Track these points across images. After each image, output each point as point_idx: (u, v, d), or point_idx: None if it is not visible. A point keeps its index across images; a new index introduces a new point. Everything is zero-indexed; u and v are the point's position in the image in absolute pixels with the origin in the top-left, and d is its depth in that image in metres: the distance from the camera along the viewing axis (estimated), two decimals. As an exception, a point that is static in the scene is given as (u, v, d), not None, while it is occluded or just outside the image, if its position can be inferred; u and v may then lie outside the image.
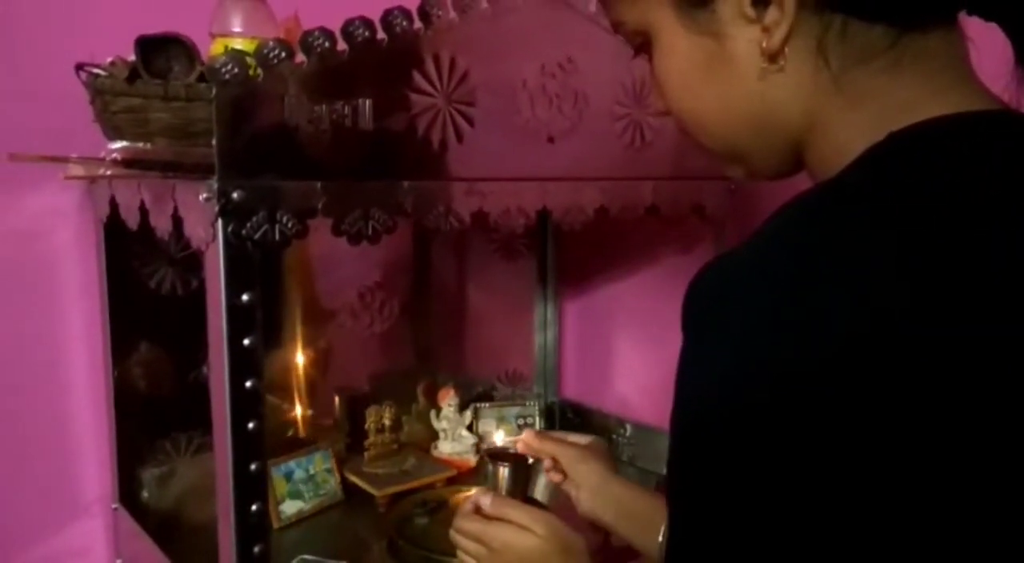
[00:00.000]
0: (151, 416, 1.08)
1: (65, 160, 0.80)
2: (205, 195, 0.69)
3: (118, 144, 0.77)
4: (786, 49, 0.46)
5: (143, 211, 0.83)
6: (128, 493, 1.07)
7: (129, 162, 0.77)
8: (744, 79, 0.48)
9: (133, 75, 0.82)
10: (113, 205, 0.91)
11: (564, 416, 1.50)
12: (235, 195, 0.69)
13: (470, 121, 0.84)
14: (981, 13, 0.46)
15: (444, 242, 1.41)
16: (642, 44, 0.52)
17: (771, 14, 0.45)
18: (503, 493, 1.14)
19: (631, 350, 1.45)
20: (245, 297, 0.72)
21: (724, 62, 0.48)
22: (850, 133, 0.45)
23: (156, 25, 0.83)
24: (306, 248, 1.24)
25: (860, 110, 0.46)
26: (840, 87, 0.46)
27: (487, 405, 1.42)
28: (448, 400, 1.35)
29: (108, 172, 0.78)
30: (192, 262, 1.06)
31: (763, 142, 0.50)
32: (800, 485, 0.37)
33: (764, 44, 0.46)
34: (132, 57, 0.83)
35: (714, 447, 0.40)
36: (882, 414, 0.36)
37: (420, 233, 1.37)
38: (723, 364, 0.40)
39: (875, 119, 0.45)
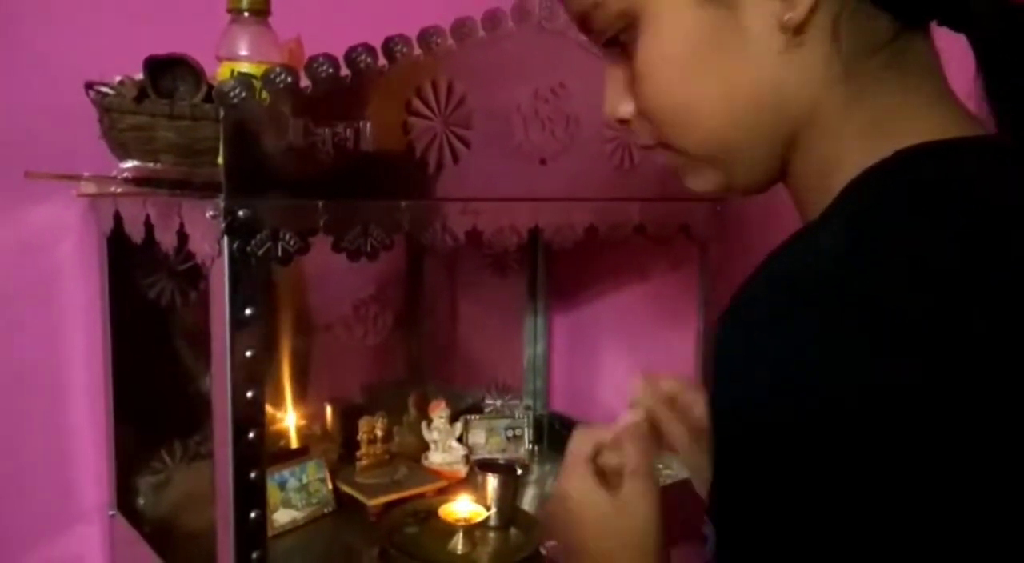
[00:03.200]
0: (149, 424, 1.10)
1: (78, 178, 0.83)
2: (212, 213, 0.72)
3: (129, 163, 0.80)
4: (805, 30, 0.43)
5: (148, 226, 0.85)
6: (125, 500, 1.09)
7: (139, 180, 0.80)
8: (755, 57, 0.44)
9: (141, 94, 0.85)
10: (118, 219, 0.93)
11: (552, 428, 1.53)
12: (241, 213, 0.72)
13: (466, 143, 0.87)
14: (952, 23, 0.45)
15: (437, 257, 1.44)
16: (616, 35, 0.48)
17: None
18: (492, 504, 1.17)
19: (618, 363, 1.49)
20: (248, 311, 0.75)
21: (736, 36, 0.44)
22: (847, 135, 0.44)
23: (163, 46, 0.86)
24: (303, 262, 1.27)
25: (860, 107, 0.44)
26: (848, 75, 0.44)
27: (477, 417, 1.44)
28: (439, 412, 1.37)
29: (119, 190, 0.81)
30: (192, 274, 1.09)
31: (757, 139, 0.46)
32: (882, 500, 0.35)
33: (786, 16, 0.42)
34: (140, 76, 0.86)
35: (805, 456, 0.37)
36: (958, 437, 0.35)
37: (415, 248, 1.40)
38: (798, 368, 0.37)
39: (872, 122, 0.43)
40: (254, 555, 0.77)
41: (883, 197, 0.40)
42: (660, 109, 0.48)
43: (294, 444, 1.31)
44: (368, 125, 0.78)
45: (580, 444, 0.62)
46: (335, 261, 1.27)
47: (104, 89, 0.87)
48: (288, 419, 1.31)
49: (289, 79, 0.73)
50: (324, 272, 1.29)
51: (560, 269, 1.54)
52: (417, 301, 1.43)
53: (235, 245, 0.72)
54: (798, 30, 0.43)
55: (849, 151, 0.43)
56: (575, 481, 0.59)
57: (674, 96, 0.47)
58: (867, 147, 0.42)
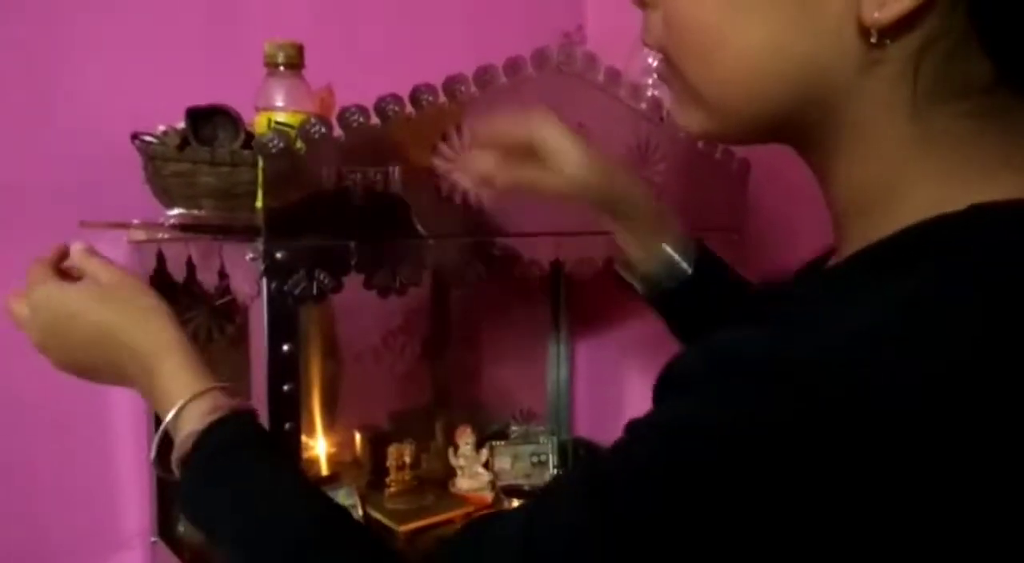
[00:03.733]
0: (187, 454, 1.15)
1: (128, 226, 0.88)
2: (251, 255, 0.77)
3: (175, 211, 0.85)
4: (888, 39, 0.38)
5: (190, 266, 0.90)
6: (166, 527, 1.13)
7: (184, 227, 0.85)
8: (818, 35, 0.39)
9: (184, 143, 0.90)
10: (160, 259, 0.99)
11: (576, 453, 1.56)
12: (278, 255, 0.77)
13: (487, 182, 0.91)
14: None
15: (466, 286, 1.48)
16: None
17: None
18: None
19: (641, 388, 1.51)
20: (286, 347, 0.79)
21: (811, 6, 0.39)
22: (912, 172, 0.40)
23: (204, 97, 0.91)
24: (335, 297, 1.32)
25: (929, 149, 0.40)
26: (916, 113, 0.40)
27: (503, 443, 1.47)
28: (465, 438, 1.41)
29: (165, 235, 0.86)
30: (227, 309, 1.14)
31: (771, 110, 0.43)
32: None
33: (874, 14, 0.38)
34: (182, 125, 0.92)
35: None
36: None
37: (440, 279, 1.45)
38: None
39: (944, 170, 0.40)
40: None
41: (984, 251, 0.36)
42: (688, 25, 0.43)
43: (324, 471, 1.35)
44: (397, 170, 0.83)
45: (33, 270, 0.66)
46: (365, 295, 1.33)
47: (149, 138, 0.93)
48: (319, 447, 1.35)
49: (323, 130, 0.78)
50: (354, 305, 1.34)
51: (583, 297, 1.57)
52: (443, 330, 1.47)
53: (273, 285, 0.77)
54: (878, 37, 0.38)
55: (915, 187, 0.40)
56: (38, 290, 0.64)
57: (708, 19, 0.42)
58: (937, 192, 0.40)
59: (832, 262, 0.47)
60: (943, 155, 0.40)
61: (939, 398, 0.32)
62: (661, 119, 1.08)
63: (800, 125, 0.44)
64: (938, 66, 0.39)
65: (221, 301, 1.13)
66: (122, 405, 1.13)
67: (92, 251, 0.68)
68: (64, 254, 0.69)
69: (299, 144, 0.77)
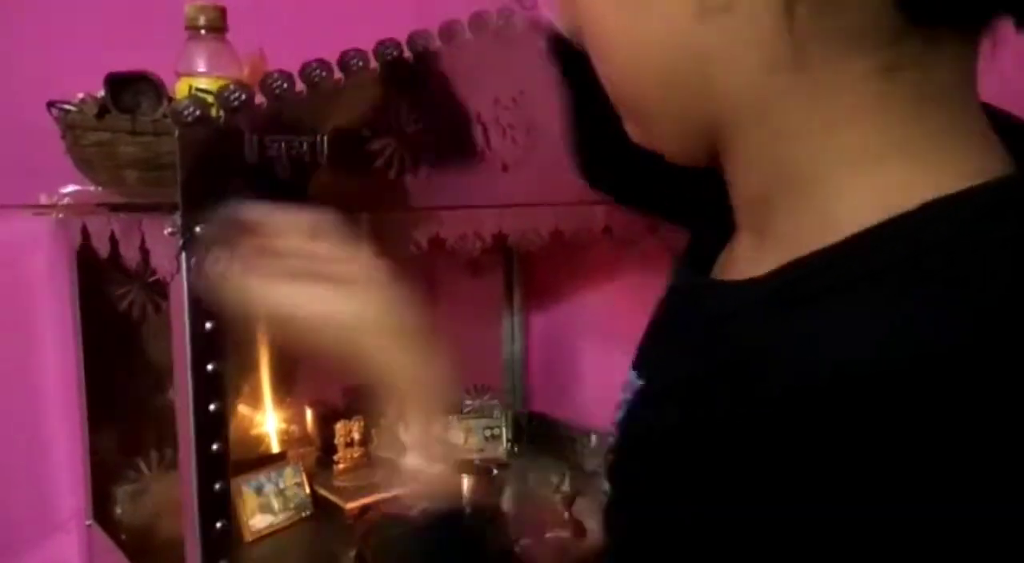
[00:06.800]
0: (124, 433, 1.12)
1: (35, 207, 0.83)
2: (169, 229, 0.73)
3: (69, 188, 0.81)
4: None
5: (113, 241, 0.87)
6: (102, 510, 1.10)
7: (97, 204, 0.81)
8: (664, 17, 0.36)
9: (102, 111, 0.86)
10: (85, 234, 0.94)
11: (531, 427, 1.55)
12: (197, 230, 0.73)
13: (425, 153, 0.88)
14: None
15: (411, 258, 1.45)
16: None
17: None
18: (467, 505, 1.18)
19: (596, 362, 1.50)
20: (208, 325, 0.76)
21: None
22: (826, 151, 0.35)
23: (125, 63, 0.87)
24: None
25: (837, 122, 0.34)
26: (808, 68, 0.34)
27: (455, 417, 1.46)
28: (417, 414, 1.39)
29: (60, 216, 0.81)
30: (161, 286, 1.10)
31: (667, 108, 0.39)
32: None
33: None
34: (101, 93, 0.87)
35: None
36: None
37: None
38: None
39: (864, 147, 0.34)
40: (221, 564, 0.79)
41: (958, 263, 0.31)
42: (582, 25, 0.40)
43: (275, 448, 1.32)
44: (324, 139, 0.79)
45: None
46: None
47: (66, 107, 0.88)
48: (267, 424, 1.33)
49: (243, 97, 0.74)
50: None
51: (535, 269, 1.55)
52: (393, 304, 1.44)
53: (192, 261, 0.74)
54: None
55: (839, 176, 0.35)
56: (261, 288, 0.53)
57: (590, 16, 0.39)
58: (868, 181, 0.34)
59: (746, 260, 0.41)
60: (857, 122, 0.34)
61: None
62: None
63: (729, 132, 0.38)
64: (819, 9, 0.33)
65: (155, 277, 1.09)
66: (50, 375, 1.09)
67: None
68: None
69: (218, 112, 0.73)
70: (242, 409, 1.28)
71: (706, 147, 0.39)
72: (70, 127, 0.88)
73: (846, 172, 0.35)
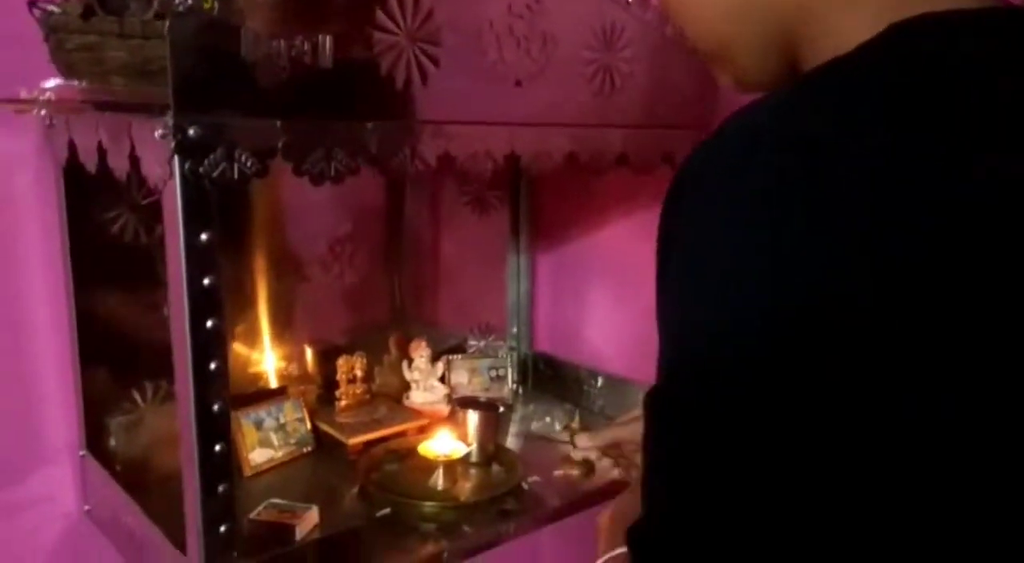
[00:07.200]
0: (118, 364, 1.08)
1: (32, 103, 0.76)
2: (161, 132, 0.68)
3: (51, 83, 0.75)
4: None
5: (101, 152, 0.81)
6: (95, 440, 1.06)
7: (84, 101, 0.76)
8: None
9: (88, 11, 0.80)
10: (72, 149, 0.89)
11: (536, 368, 1.51)
12: (191, 131, 0.68)
13: (435, 61, 0.82)
14: None
15: (416, 194, 1.40)
16: None
17: None
18: (473, 441, 1.16)
19: (604, 302, 1.46)
20: (204, 236, 0.71)
21: None
22: (850, 28, 0.40)
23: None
24: (275, 196, 1.23)
25: (861, 5, 0.41)
26: None
27: (459, 356, 1.42)
28: (420, 351, 1.35)
29: (45, 98, 0.75)
30: (155, 209, 1.04)
31: (747, 34, 0.45)
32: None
33: None
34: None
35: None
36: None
37: (392, 184, 1.36)
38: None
39: (876, 13, 0.40)
40: (220, 489, 0.75)
41: (858, 63, 0.38)
42: (664, 4, 0.50)
43: (272, 385, 1.28)
44: (327, 39, 0.74)
45: None
46: (308, 196, 1.24)
47: (49, 7, 0.82)
48: (266, 360, 1.29)
49: (239, -15, 0.68)
50: (297, 208, 1.25)
51: (543, 206, 1.50)
52: (396, 240, 1.39)
53: (187, 165, 0.68)
54: None
55: (858, 40, 0.40)
56: None
57: None
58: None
59: None
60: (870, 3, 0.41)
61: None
62: (627, 2, 0.99)
63: (797, 44, 0.44)
64: None
65: (148, 199, 1.04)
66: (39, 302, 1.04)
67: None
68: None
69: (213, 2, 0.67)
70: (239, 347, 1.24)
71: (786, 65, 0.45)
72: (53, 29, 0.82)
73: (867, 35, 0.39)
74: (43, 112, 0.73)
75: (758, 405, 0.35)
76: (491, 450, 1.16)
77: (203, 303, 0.72)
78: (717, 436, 0.36)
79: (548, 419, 1.34)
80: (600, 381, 1.41)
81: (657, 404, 0.40)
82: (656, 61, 1.03)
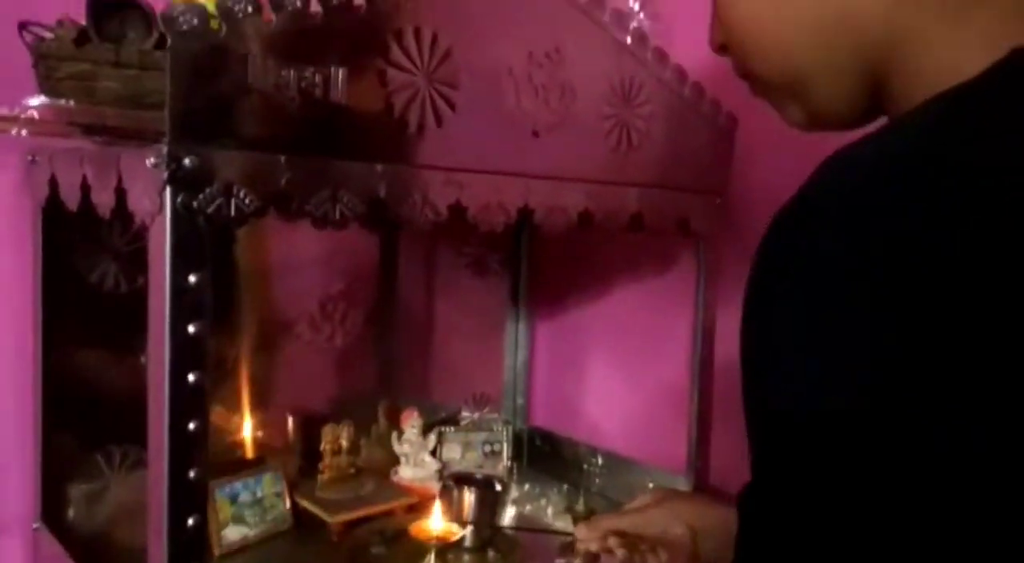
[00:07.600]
0: (84, 426, 0.98)
1: (14, 120, 0.69)
2: (153, 160, 0.61)
3: (36, 100, 0.69)
4: None
5: (84, 187, 0.74)
6: (52, 511, 0.96)
7: (71, 123, 0.69)
8: None
9: (82, 37, 0.75)
10: (53, 186, 0.82)
11: (533, 444, 1.42)
12: (187, 161, 0.62)
13: (451, 105, 0.77)
14: None
15: (413, 254, 1.34)
16: None
17: None
18: (469, 520, 1.06)
19: (606, 375, 1.39)
20: (193, 278, 0.64)
21: None
22: (955, 45, 0.39)
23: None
24: (263, 246, 1.16)
25: (965, 21, 0.39)
26: None
27: (452, 429, 1.33)
28: (411, 422, 1.26)
29: (24, 132, 0.68)
30: (138, 256, 0.97)
31: (833, 60, 0.43)
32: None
33: None
34: (83, 20, 0.76)
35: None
36: None
37: (387, 241, 1.30)
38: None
39: (982, 34, 0.38)
40: (191, 569, 0.65)
41: (989, 84, 0.35)
42: (733, 32, 0.47)
43: (249, 455, 1.19)
44: (340, 72, 0.69)
45: None
46: (299, 251, 1.18)
47: (41, 32, 0.77)
48: (244, 428, 1.19)
49: (250, 9, 0.63)
50: (289, 264, 1.18)
51: (545, 272, 1.44)
52: (390, 302, 1.32)
53: (179, 199, 0.62)
54: None
55: (967, 65, 0.37)
56: None
57: (743, 19, 0.45)
58: (988, 57, 0.37)
59: None
60: (978, 15, 0.39)
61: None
62: (647, 58, 0.96)
63: (886, 68, 0.42)
64: None
65: (130, 247, 0.97)
66: (4, 358, 0.95)
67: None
68: None
69: (219, 24, 0.62)
70: (214, 411, 1.15)
71: (870, 94, 0.43)
72: (43, 56, 0.76)
73: (978, 54, 0.37)
74: (24, 132, 0.66)
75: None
76: (488, 534, 1.06)
77: (186, 354, 0.64)
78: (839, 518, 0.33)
79: (543, 502, 1.25)
80: (600, 460, 1.32)
81: (757, 505, 0.37)
82: (673, 121, 0.99)
